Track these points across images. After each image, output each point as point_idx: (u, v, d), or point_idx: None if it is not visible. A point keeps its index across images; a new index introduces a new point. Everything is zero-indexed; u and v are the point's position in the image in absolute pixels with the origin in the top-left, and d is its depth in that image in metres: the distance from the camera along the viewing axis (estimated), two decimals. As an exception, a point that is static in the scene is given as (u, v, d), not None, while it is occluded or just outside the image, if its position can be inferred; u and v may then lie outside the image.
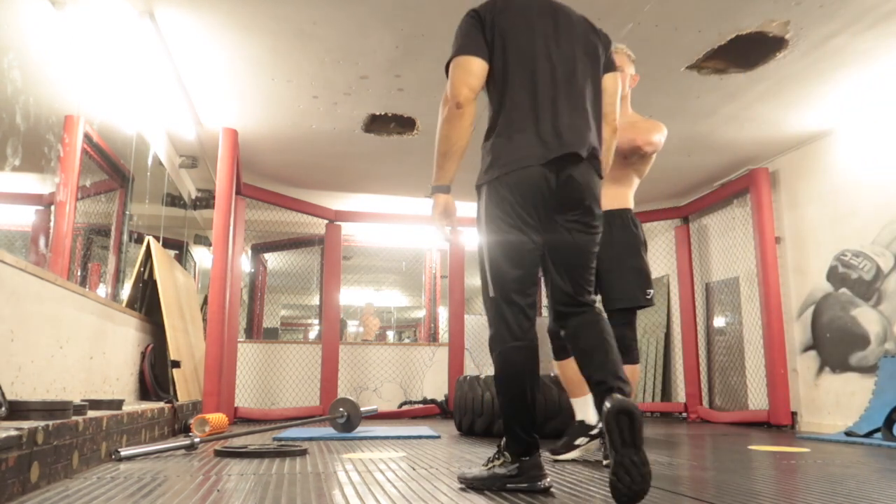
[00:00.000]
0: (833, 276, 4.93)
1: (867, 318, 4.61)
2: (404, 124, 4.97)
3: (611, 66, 2.33)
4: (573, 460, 2.91)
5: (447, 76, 2.15)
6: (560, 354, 2.94)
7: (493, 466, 2.13)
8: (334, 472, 2.51)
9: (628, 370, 2.78)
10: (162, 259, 4.74)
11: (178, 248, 6.61)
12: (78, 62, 3.68)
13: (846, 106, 4.54)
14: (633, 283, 2.91)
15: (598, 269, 2.41)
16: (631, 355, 2.87)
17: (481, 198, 2.19)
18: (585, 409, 2.93)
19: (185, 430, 4.04)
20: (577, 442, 2.92)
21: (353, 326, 15.76)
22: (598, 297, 2.87)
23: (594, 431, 2.90)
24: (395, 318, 15.03)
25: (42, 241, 3.51)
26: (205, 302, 5.90)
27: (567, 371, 2.94)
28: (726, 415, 5.70)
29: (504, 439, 2.14)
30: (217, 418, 3.96)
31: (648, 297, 2.90)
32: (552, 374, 4.25)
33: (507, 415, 2.11)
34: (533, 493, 2.06)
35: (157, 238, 5.06)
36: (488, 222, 2.14)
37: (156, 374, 4.31)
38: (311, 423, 4.48)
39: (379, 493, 2.07)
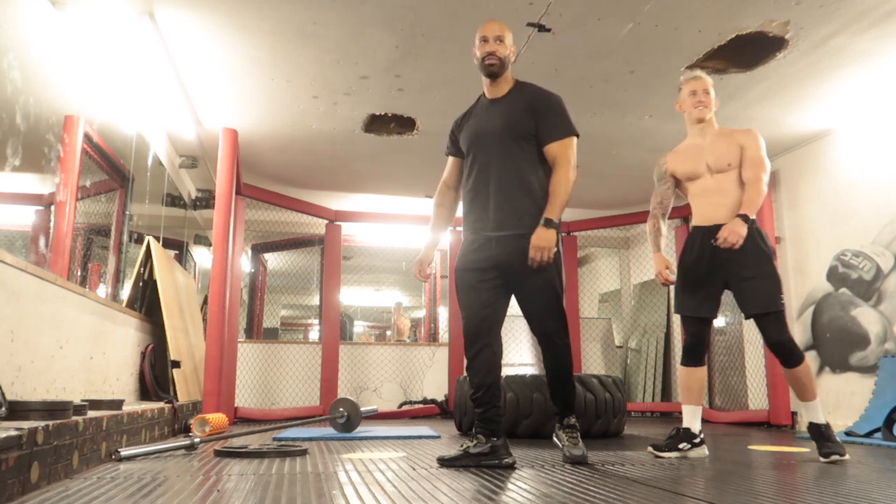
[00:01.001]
0: (833, 275, 4.93)
1: (867, 318, 4.61)
2: (404, 124, 4.97)
3: None
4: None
5: (568, 136, 2.82)
6: (687, 361, 3.23)
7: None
8: (334, 472, 2.51)
9: (800, 371, 3.02)
10: (162, 259, 4.74)
11: (178, 248, 6.61)
12: (78, 62, 3.68)
13: (846, 106, 4.54)
14: (767, 289, 3.04)
15: (734, 278, 3.07)
16: (794, 357, 3.04)
17: (558, 241, 2.78)
18: (695, 418, 3.18)
19: (185, 430, 4.04)
20: (681, 446, 3.13)
21: (359, 327, 15.78)
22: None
23: (696, 440, 3.15)
24: (395, 318, 15.01)
25: (42, 241, 3.51)
26: (205, 302, 5.90)
27: (688, 378, 3.23)
28: (726, 415, 5.70)
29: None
30: (217, 418, 3.95)
31: (782, 302, 3.05)
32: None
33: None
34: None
35: (157, 238, 5.06)
36: (562, 266, 2.84)
37: (156, 374, 4.31)
38: (311, 423, 4.48)
39: (379, 493, 2.07)
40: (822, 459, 2.97)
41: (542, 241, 2.65)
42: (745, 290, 3.07)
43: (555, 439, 2.93)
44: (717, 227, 3.11)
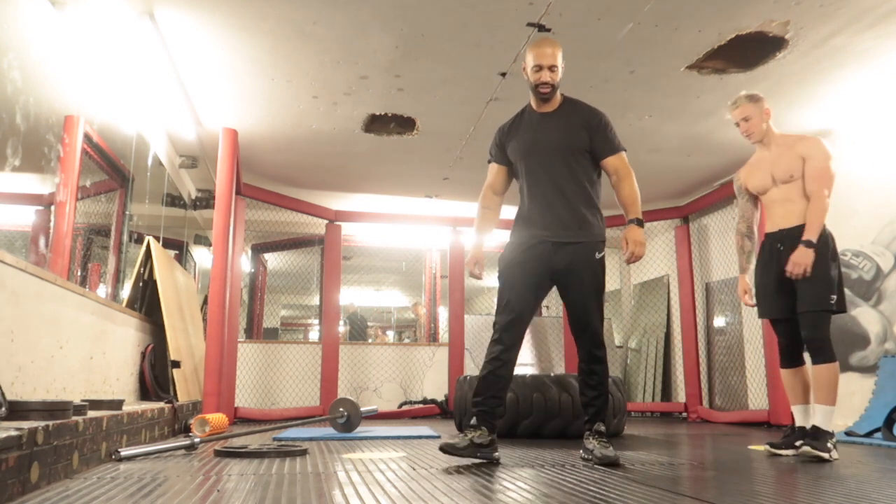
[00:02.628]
0: (833, 276, 4.92)
1: (867, 318, 4.61)
2: (404, 124, 4.97)
3: None
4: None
5: (622, 150, 3.07)
6: (785, 364, 3.32)
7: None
8: (334, 472, 2.51)
9: (823, 369, 3.05)
10: (162, 259, 4.74)
11: (178, 248, 6.61)
12: (78, 62, 3.68)
13: (846, 106, 4.53)
14: (817, 289, 3.08)
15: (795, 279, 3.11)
16: (823, 355, 3.09)
17: (604, 261, 3.04)
18: (805, 416, 3.25)
19: (185, 430, 4.04)
20: (798, 443, 3.18)
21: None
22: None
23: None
24: (395, 318, 15.03)
25: (42, 241, 3.51)
26: (205, 302, 5.90)
27: (790, 380, 3.32)
28: (726, 415, 5.70)
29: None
30: (217, 418, 3.96)
31: (832, 301, 3.08)
32: (552, 374, 4.25)
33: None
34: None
35: (157, 238, 5.06)
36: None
37: (156, 374, 4.31)
38: (311, 423, 4.49)
39: (379, 493, 2.07)
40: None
41: (641, 237, 2.95)
42: (799, 289, 3.14)
43: (586, 445, 2.93)
44: (782, 232, 3.24)
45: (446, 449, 2.75)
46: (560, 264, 2.96)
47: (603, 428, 2.95)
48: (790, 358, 3.30)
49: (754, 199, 3.47)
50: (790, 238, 3.20)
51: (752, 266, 3.47)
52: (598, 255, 3.01)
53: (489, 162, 3.26)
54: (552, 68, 2.96)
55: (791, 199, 3.24)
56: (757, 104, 3.28)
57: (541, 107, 3.09)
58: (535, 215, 3.02)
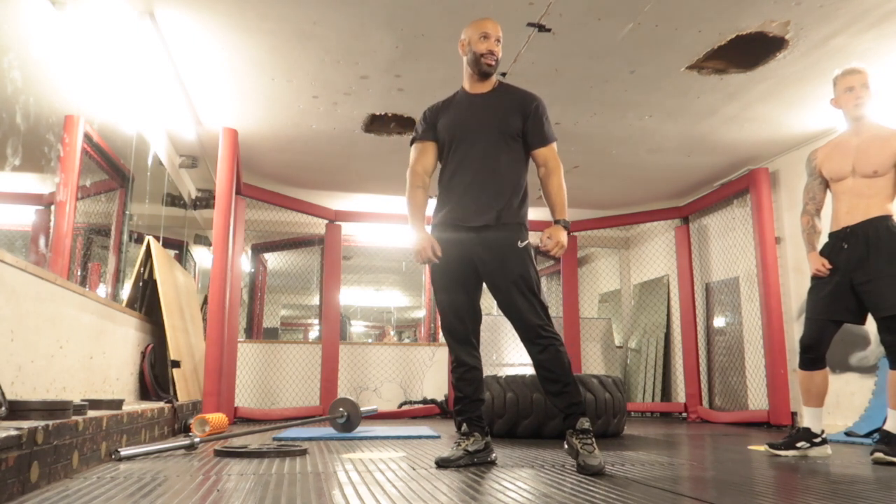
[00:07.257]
0: (833, 276, 4.91)
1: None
2: (404, 124, 4.97)
3: None
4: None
5: (554, 141, 2.84)
6: (807, 366, 3.21)
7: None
8: (334, 472, 2.51)
9: None
10: (162, 259, 4.74)
11: (178, 248, 6.61)
12: (78, 62, 3.68)
13: (846, 106, 4.53)
14: (892, 289, 2.93)
15: (857, 281, 3.00)
16: None
17: (530, 249, 2.77)
18: (814, 419, 3.23)
19: (185, 430, 4.04)
20: (799, 445, 3.21)
21: (359, 327, 15.81)
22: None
23: (817, 440, 3.21)
24: (395, 318, 15.03)
25: (42, 241, 3.51)
26: (205, 302, 5.90)
27: (807, 381, 3.23)
28: (726, 415, 5.70)
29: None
30: (217, 418, 3.96)
31: None
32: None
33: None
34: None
35: (157, 238, 5.06)
36: (534, 260, 2.79)
37: (156, 374, 4.31)
38: (311, 423, 4.49)
39: (379, 493, 2.07)
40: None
41: (564, 240, 2.69)
42: (871, 291, 2.97)
43: (566, 447, 2.67)
44: (846, 230, 3.08)
45: (442, 464, 2.67)
46: (481, 255, 2.72)
47: (587, 425, 2.62)
48: (813, 360, 3.17)
49: (825, 183, 3.28)
50: (854, 235, 3.05)
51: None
52: (520, 244, 2.70)
53: (413, 143, 2.97)
54: (498, 40, 2.81)
55: (863, 195, 3.06)
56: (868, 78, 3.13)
57: (475, 87, 2.88)
58: (454, 200, 2.80)
